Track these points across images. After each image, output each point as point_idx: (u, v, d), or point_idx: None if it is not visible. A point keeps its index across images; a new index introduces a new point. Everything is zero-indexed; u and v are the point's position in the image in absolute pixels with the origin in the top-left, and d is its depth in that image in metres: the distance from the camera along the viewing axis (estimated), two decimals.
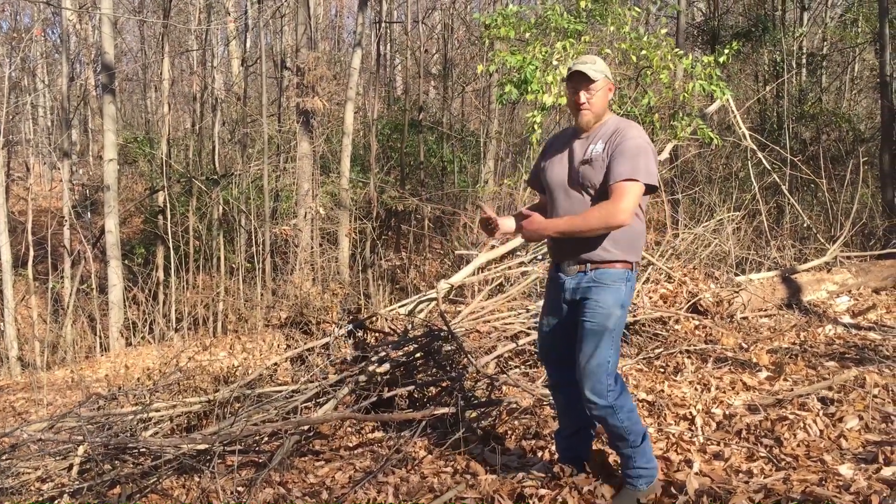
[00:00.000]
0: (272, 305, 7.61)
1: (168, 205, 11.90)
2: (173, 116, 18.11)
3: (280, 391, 4.87)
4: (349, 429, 5.07)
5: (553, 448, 4.47)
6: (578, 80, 3.50)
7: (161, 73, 13.86)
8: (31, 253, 13.03)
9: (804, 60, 16.50)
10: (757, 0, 17.19)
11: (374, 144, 14.04)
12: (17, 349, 11.53)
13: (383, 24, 17.50)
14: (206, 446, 4.32)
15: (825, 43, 17.51)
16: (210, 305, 11.54)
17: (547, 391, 5.06)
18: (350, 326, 5.58)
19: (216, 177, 12.34)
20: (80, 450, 3.94)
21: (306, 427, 4.45)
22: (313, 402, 4.83)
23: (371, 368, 4.97)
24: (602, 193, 3.42)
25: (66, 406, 6.70)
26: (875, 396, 4.76)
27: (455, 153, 16.68)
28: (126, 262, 13.85)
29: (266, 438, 4.78)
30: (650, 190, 3.44)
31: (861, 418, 4.45)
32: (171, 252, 10.52)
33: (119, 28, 22.94)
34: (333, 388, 4.84)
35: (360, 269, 10.74)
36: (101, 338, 11.64)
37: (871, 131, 15.11)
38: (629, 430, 3.57)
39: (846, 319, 6.97)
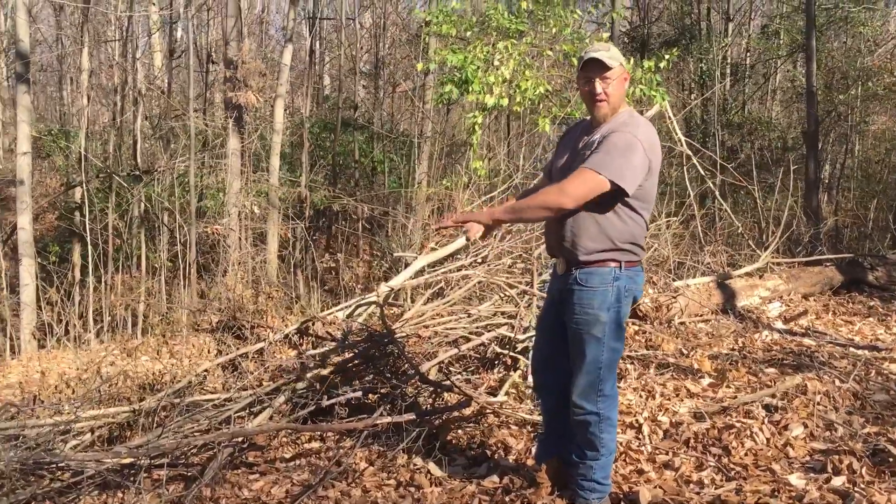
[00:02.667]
0: (202, 308, 7.27)
1: (86, 201, 11.31)
2: (92, 109, 17.34)
3: (212, 400, 4.58)
4: (285, 439, 4.82)
5: (497, 457, 4.34)
6: (593, 69, 3.26)
7: (80, 64, 13.21)
8: None
9: (729, 70, 16.88)
10: (683, 10, 17.52)
11: (306, 142, 13.70)
12: None
13: (315, 21, 17.14)
14: (132, 460, 4.02)
15: (748, 53, 17.97)
16: (130, 306, 11.03)
17: (491, 398, 4.93)
18: (286, 331, 5.33)
19: (137, 172, 11.82)
20: None
21: (240, 438, 4.18)
22: (247, 411, 4.56)
23: (308, 375, 4.74)
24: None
25: None
26: (818, 403, 4.78)
27: (386, 153, 16.46)
28: (39, 260, 13.15)
29: (196, 450, 4.49)
30: (621, 192, 3.20)
31: (806, 426, 4.46)
32: (89, 250, 9.99)
33: (34, 16, 21.89)
34: (269, 397, 4.58)
35: (289, 270, 10.43)
36: (11, 340, 10.98)
37: (793, 140, 15.57)
38: (604, 442, 3.44)
39: (779, 325, 7.05)
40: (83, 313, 10.67)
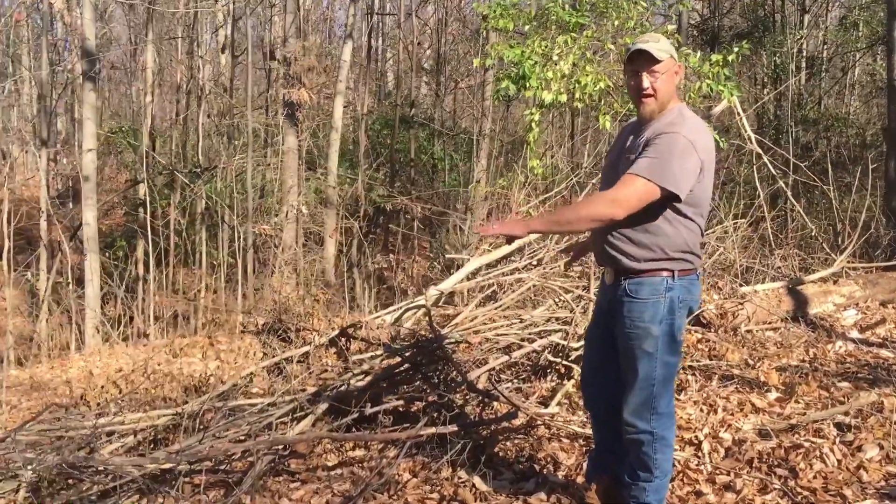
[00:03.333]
0: (248, 311, 7.22)
1: (148, 198, 11.46)
2: (159, 106, 17.67)
3: (254, 404, 4.49)
4: (328, 446, 4.69)
5: (546, 472, 4.13)
6: (640, 62, 3.01)
7: (144, 62, 13.42)
8: (6, 244, 12.57)
9: (804, 64, 16.22)
10: (757, 1, 16.90)
11: (363, 140, 13.64)
12: None
13: (375, 17, 17.07)
14: (171, 465, 3.94)
15: (824, 46, 17.24)
16: (190, 303, 11.13)
17: (542, 409, 4.72)
18: (332, 335, 5.21)
19: (199, 170, 11.93)
20: (29, 469, 3.55)
21: (279, 446, 4.07)
22: (290, 417, 4.45)
23: (353, 382, 4.60)
24: None
25: (29, 411, 6.29)
26: (895, 423, 4.42)
27: (446, 151, 16.30)
28: (106, 255, 13.42)
29: (238, 454, 4.40)
30: (672, 197, 2.97)
31: (881, 447, 4.13)
32: (150, 247, 10.11)
33: (108, 16, 22.46)
34: (311, 403, 4.46)
35: (345, 269, 10.35)
36: (76, 334, 11.22)
37: (873, 137, 14.85)
38: (658, 464, 3.20)
39: (854, 334, 6.64)
40: (145, 309, 10.81)
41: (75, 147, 19.98)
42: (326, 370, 4.85)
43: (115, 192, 15.89)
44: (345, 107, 13.40)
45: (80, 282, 12.13)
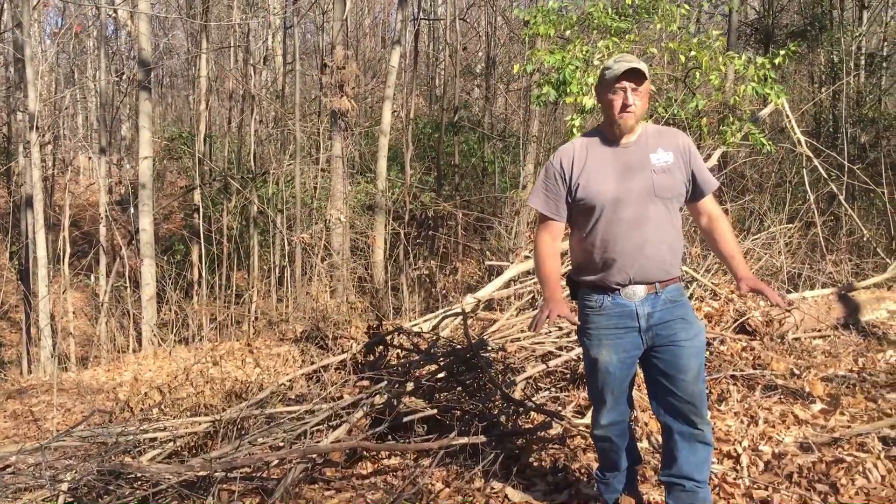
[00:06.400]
0: (286, 319, 7.31)
1: (202, 203, 11.72)
2: (217, 113, 18.06)
3: (291, 412, 4.56)
4: (364, 454, 4.74)
5: (580, 484, 4.10)
6: (631, 79, 3.09)
7: (198, 70, 13.73)
8: (68, 248, 13.00)
9: (863, 61, 15.74)
10: None
11: (409, 145, 13.71)
12: (50, 346, 11.48)
13: (421, 21, 17.13)
14: (206, 473, 4.03)
15: (884, 43, 16.70)
16: (244, 305, 11.34)
17: (577, 419, 4.69)
18: (368, 342, 5.26)
19: (251, 175, 12.16)
20: (69, 476, 3.67)
21: (314, 454, 4.13)
22: (325, 424, 4.51)
23: (388, 389, 4.64)
24: (677, 202, 3.22)
25: (81, 414, 6.50)
26: None
27: (496, 154, 16.28)
28: (166, 259, 13.78)
29: (274, 462, 4.48)
30: None
31: None
32: (203, 252, 10.34)
33: (170, 25, 23.05)
34: (347, 411, 4.51)
35: (389, 275, 10.41)
36: (132, 337, 11.55)
37: None
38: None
39: None
40: (196, 314, 11.06)
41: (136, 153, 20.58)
42: (362, 378, 4.90)
43: (173, 198, 16.28)
44: (393, 112, 13.48)
45: (138, 285, 12.49)
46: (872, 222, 10.14)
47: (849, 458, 4.07)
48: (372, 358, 5.30)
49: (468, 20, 18.95)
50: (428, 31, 20.52)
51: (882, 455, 4.11)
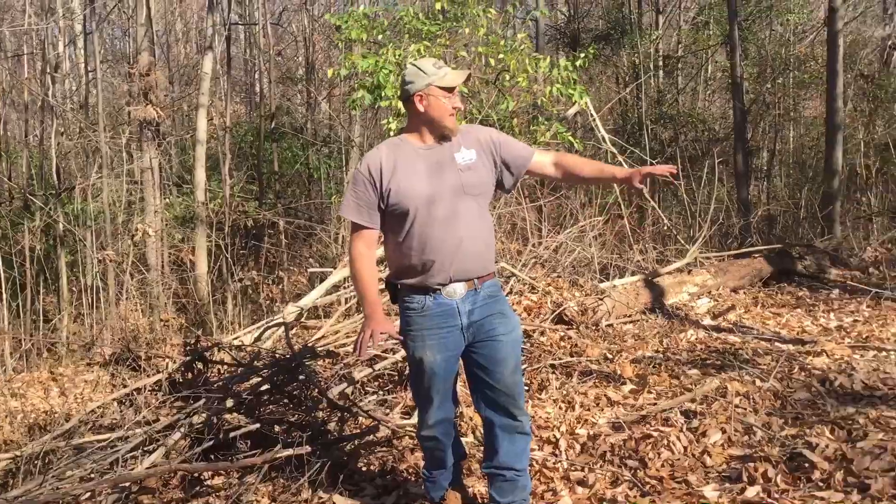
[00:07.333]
0: (91, 342, 6.89)
1: (0, 225, 10.80)
2: (16, 125, 16.71)
3: (102, 440, 4.28)
4: (188, 476, 4.53)
5: (409, 484, 4.12)
6: (461, 83, 3.34)
7: None
8: None
9: (661, 63, 16.91)
10: (615, 3, 17.50)
11: (225, 154, 13.29)
12: None
13: (233, 26, 16.68)
14: None
15: (680, 45, 18.02)
16: (56, 332, 10.54)
17: (404, 420, 4.71)
18: (185, 360, 5.04)
19: (55, 192, 11.35)
20: None
21: (126, 483, 3.90)
22: (140, 450, 4.27)
23: (209, 407, 4.46)
24: (486, 198, 3.30)
25: None
26: (736, 406, 4.65)
27: (321, 160, 16.11)
28: None
29: (85, 494, 4.19)
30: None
31: (724, 431, 4.32)
32: (1, 277, 9.52)
33: None
34: (163, 434, 4.30)
35: (212, 289, 10.04)
36: None
37: (725, 131, 15.61)
38: None
39: (707, 321, 6.96)
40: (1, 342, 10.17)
41: None
42: (178, 398, 4.68)
43: None
44: (209, 120, 13.02)
45: None
46: (673, 212, 10.91)
47: (655, 434, 4.34)
48: (191, 376, 5.07)
49: (283, 25, 18.64)
50: (245, 36, 20.01)
51: (684, 427, 4.41)
